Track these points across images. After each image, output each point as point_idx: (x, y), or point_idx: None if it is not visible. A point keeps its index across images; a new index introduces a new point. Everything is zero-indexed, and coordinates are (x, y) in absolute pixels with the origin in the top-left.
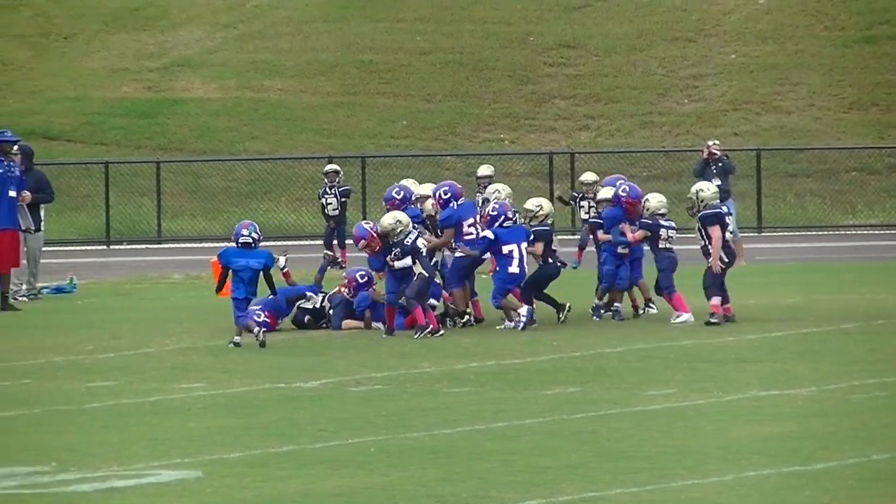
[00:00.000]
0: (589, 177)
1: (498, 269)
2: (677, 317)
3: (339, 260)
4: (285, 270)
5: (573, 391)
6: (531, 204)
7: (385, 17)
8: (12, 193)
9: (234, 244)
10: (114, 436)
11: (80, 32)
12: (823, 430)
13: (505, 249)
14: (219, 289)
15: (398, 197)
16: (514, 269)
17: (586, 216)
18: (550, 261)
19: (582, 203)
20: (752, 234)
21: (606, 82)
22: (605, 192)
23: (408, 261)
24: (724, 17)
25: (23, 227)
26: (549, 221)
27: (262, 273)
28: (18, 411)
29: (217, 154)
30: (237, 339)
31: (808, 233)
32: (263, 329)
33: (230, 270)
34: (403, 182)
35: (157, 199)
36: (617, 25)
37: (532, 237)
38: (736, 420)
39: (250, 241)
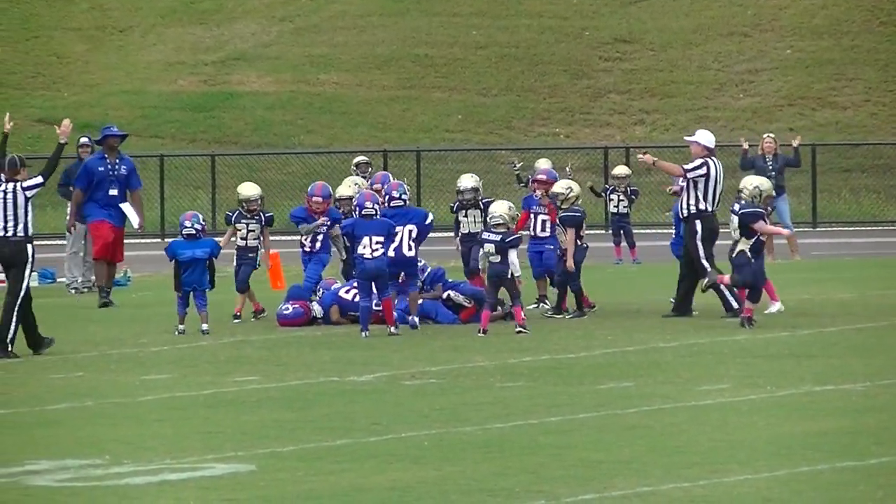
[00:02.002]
0: (621, 170)
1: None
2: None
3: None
4: None
5: (627, 386)
6: (560, 187)
7: (441, 12)
8: (113, 192)
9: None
10: (167, 429)
11: (136, 26)
12: (877, 426)
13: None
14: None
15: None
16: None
17: (615, 209)
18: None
19: (611, 196)
20: (806, 230)
21: (662, 77)
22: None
23: (492, 248)
24: (779, 12)
25: (136, 226)
26: (579, 204)
27: (206, 262)
28: (72, 404)
29: (272, 147)
30: (181, 326)
31: (863, 228)
32: (205, 326)
33: (178, 262)
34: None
35: (212, 193)
36: (672, 20)
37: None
38: (789, 415)
39: (193, 231)
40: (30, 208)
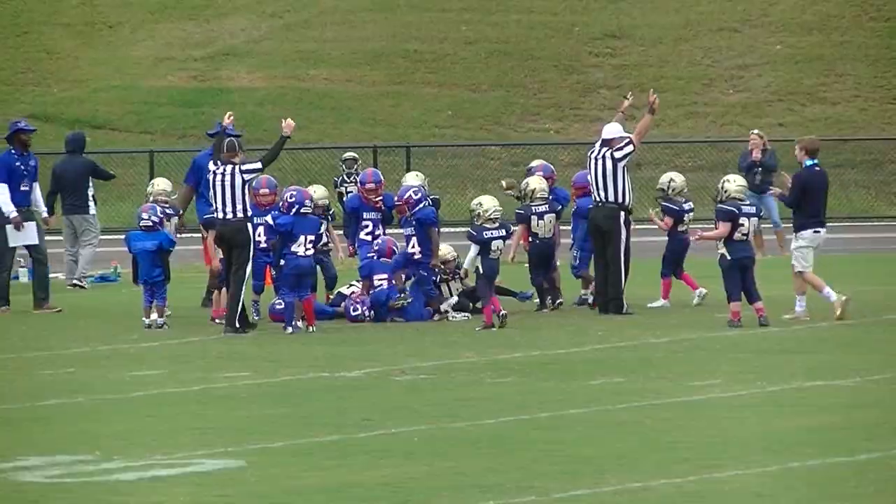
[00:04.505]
0: None
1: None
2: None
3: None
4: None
5: (618, 381)
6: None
7: (431, 7)
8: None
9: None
10: (158, 424)
11: (126, 21)
12: (868, 421)
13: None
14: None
15: (416, 196)
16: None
17: None
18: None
19: None
20: None
21: (652, 72)
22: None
23: (501, 244)
24: (769, 8)
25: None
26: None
27: (158, 254)
28: (63, 400)
29: (262, 143)
30: (146, 320)
31: (853, 224)
32: (159, 320)
33: (134, 254)
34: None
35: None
36: (663, 16)
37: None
38: (781, 411)
39: (150, 224)
40: (246, 190)
